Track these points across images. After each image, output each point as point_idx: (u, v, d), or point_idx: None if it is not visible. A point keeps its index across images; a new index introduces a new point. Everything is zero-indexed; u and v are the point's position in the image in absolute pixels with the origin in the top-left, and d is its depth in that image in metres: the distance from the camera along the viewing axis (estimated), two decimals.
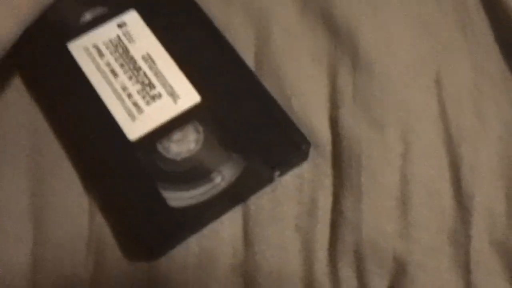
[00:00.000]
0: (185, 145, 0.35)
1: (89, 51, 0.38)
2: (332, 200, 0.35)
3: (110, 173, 0.34)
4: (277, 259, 0.33)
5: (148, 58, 0.37)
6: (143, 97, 0.36)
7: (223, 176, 0.34)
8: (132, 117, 0.35)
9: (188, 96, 0.36)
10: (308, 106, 0.37)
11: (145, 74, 0.37)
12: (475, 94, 0.37)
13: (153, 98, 0.36)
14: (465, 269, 0.33)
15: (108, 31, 0.38)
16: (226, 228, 0.34)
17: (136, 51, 0.37)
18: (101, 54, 0.37)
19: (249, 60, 0.38)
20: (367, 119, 0.36)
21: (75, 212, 0.34)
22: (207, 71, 0.37)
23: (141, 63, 0.37)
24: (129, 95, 0.36)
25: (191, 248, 0.33)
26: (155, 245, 0.32)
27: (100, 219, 0.33)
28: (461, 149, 0.35)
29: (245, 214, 0.34)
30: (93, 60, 0.37)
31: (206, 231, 0.33)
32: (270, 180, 0.34)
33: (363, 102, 0.36)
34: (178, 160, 0.35)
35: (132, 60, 0.37)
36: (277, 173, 0.34)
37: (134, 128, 0.35)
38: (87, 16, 0.40)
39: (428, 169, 0.35)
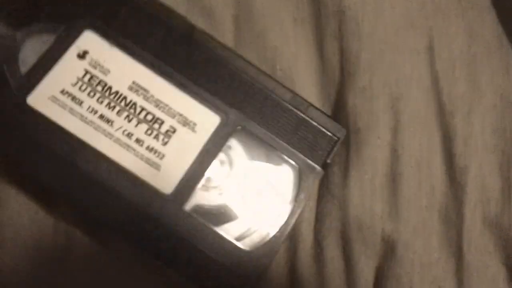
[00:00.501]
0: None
1: (60, 101, 0.29)
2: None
3: (163, 242, 0.29)
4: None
5: (138, 88, 0.30)
6: (156, 138, 0.30)
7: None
8: (156, 166, 0.29)
9: (205, 118, 0.31)
10: (295, 75, 0.35)
11: (143, 108, 0.30)
12: (469, 61, 0.34)
13: (168, 135, 0.30)
14: (457, 248, 0.32)
15: (68, 67, 0.30)
16: None
17: (118, 83, 0.30)
18: (77, 100, 0.30)
19: (228, 23, 0.35)
20: (355, 87, 0.34)
21: None
22: (209, 82, 0.31)
23: (132, 96, 0.30)
24: (138, 141, 0.30)
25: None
26: None
27: None
28: (454, 120, 0.33)
29: None
30: (71, 111, 0.29)
31: None
32: (321, 174, 0.32)
33: (351, 69, 0.34)
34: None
35: (119, 96, 0.30)
36: (328, 163, 0.32)
37: (165, 179, 0.29)
38: (27, 50, 0.30)
39: (419, 142, 0.33)
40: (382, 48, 0.34)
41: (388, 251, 0.32)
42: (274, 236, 0.30)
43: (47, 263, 0.30)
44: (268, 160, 0.31)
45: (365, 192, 0.32)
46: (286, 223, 0.30)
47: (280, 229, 0.30)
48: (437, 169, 0.33)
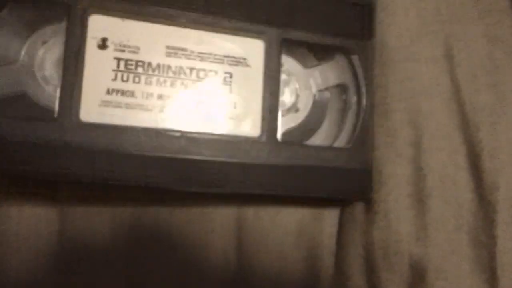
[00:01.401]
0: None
1: (112, 102, 0.27)
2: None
3: None
4: (277, 269, 0.30)
5: (175, 50, 0.28)
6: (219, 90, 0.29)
7: None
8: (234, 116, 0.29)
9: (251, 48, 0.29)
10: None
11: (191, 68, 0.28)
12: (491, 68, 0.31)
13: (227, 82, 0.29)
14: (490, 273, 0.28)
15: (98, 64, 0.27)
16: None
17: (154, 55, 0.28)
18: (127, 93, 0.27)
19: None
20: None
21: None
22: (232, 10, 0.29)
23: (175, 61, 0.28)
24: (203, 102, 0.28)
25: None
26: None
27: None
28: (479, 134, 0.30)
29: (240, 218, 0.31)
30: (128, 106, 0.27)
31: None
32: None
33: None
34: None
35: (163, 67, 0.28)
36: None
37: (248, 124, 0.29)
38: (42, 64, 0.27)
39: (443, 158, 0.30)
40: (395, 60, 0.31)
41: (417, 278, 0.29)
42: (358, 126, 0.31)
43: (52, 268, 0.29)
44: (321, 59, 0.31)
45: (390, 214, 0.30)
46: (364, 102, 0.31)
47: (362, 116, 0.31)
48: (464, 187, 0.30)
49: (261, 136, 0.29)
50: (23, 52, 0.27)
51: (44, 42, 0.27)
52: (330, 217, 0.32)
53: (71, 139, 0.26)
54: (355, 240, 0.30)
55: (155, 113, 0.27)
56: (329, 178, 0.29)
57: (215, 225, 0.30)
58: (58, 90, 0.26)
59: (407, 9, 0.32)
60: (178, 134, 0.27)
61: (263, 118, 0.29)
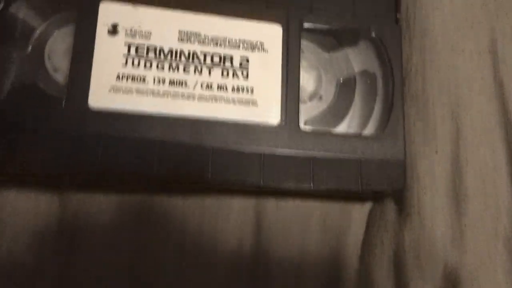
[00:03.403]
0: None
1: (122, 88, 0.26)
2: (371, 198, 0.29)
3: None
4: (296, 265, 0.28)
5: (188, 35, 0.27)
6: (235, 75, 0.27)
7: None
8: (252, 102, 0.27)
9: (268, 33, 0.28)
10: None
11: (205, 53, 0.27)
12: None
13: (244, 67, 0.27)
14: None
15: (108, 50, 0.26)
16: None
17: (167, 41, 0.27)
18: (138, 78, 0.26)
19: None
20: (410, 92, 0.29)
21: None
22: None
23: (188, 46, 0.27)
24: (221, 87, 0.27)
25: None
26: None
27: None
28: None
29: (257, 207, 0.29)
30: (139, 91, 0.26)
31: None
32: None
33: (405, 71, 0.30)
34: None
35: (175, 52, 0.27)
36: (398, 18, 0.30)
37: (267, 111, 0.27)
38: (51, 53, 0.26)
39: (483, 156, 0.28)
40: (437, 49, 0.30)
41: (451, 284, 0.27)
42: (387, 114, 0.28)
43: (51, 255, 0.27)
44: (345, 44, 0.29)
45: (424, 213, 0.28)
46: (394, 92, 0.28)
47: (391, 103, 0.28)
48: (503, 188, 0.28)
49: (281, 123, 0.27)
50: (33, 41, 0.26)
51: (54, 31, 0.26)
52: (358, 213, 0.29)
53: (79, 126, 0.25)
54: (384, 241, 0.28)
55: (167, 99, 0.26)
56: (356, 169, 0.27)
57: (231, 213, 0.28)
58: (61, 78, 0.25)
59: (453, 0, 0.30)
60: (191, 121, 0.26)
61: (283, 105, 0.27)
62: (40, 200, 0.27)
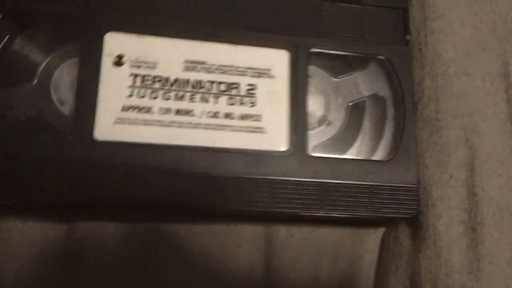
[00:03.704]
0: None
1: (128, 119, 0.25)
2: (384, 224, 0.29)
3: None
4: None
5: (194, 64, 0.27)
6: (242, 103, 0.27)
7: None
8: (260, 130, 0.27)
9: (275, 59, 0.28)
10: None
11: (212, 82, 0.27)
12: None
13: (250, 94, 0.27)
14: None
15: (113, 81, 0.26)
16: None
17: (172, 70, 0.27)
18: (144, 109, 0.26)
19: None
20: (419, 118, 0.29)
21: None
22: (254, 21, 0.28)
23: (194, 75, 0.27)
24: (228, 115, 0.26)
25: None
26: None
27: None
28: None
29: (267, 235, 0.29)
30: (146, 122, 0.26)
31: None
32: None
33: (415, 97, 0.29)
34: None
35: (181, 82, 0.26)
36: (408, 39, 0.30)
37: (276, 138, 0.27)
38: (57, 86, 0.26)
39: (499, 183, 0.27)
40: (449, 74, 0.29)
41: None
42: (399, 138, 0.28)
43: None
44: (353, 68, 0.29)
45: (440, 242, 0.27)
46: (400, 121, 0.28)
47: (402, 127, 0.28)
48: None
49: (289, 150, 0.26)
50: (38, 75, 0.26)
51: (60, 64, 0.26)
52: (371, 239, 0.29)
53: (85, 158, 0.24)
54: (399, 269, 0.27)
55: (173, 129, 0.26)
56: (368, 195, 0.26)
57: (242, 240, 0.28)
58: (67, 109, 0.25)
59: (463, 21, 0.29)
60: (199, 150, 0.25)
61: (291, 131, 0.26)
62: (47, 228, 0.27)
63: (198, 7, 0.27)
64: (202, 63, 0.27)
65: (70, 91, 0.26)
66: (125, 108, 0.25)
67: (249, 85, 0.27)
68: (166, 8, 0.27)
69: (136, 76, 0.26)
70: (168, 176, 0.25)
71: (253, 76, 0.27)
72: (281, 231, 0.28)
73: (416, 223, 0.28)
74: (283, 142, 0.26)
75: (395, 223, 0.29)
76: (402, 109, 0.28)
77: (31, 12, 0.26)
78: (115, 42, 0.26)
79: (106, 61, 0.26)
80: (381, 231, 0.29)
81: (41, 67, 0.26)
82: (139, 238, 0.27)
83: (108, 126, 0.25)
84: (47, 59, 0.26)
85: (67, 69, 0.26)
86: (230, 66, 0.27)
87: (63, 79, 0.26)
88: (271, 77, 0.27)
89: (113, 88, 0.26)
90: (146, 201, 0.25)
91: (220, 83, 0.27)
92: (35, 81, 0.26)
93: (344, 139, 0.28)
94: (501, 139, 0.28)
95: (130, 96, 0.26)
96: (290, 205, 0.26)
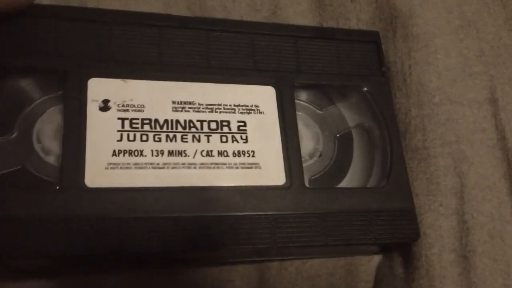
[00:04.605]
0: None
1: (119, 163, 0.24)
2: (377, 254, 0.28)
3: None
4: None
5: (182, 105, 0.26)
6: (234, 140, 0.26)
7: None
8: (255, 166, 0.26)
9: (262, 95, 0.28)
10: None
11: (202, 121, 0.26)
12: None
13: (242, 130, 0.27)
14: None
15: (101, 127, 0.25)
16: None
17: (160, 112, 0.26)
18: (135, 153, 0.25)
19: None
20: (407, 148, 0.29)
21: None
22: (237, 60, 0.28)
23: (183, 115, 0.26)
24: (222, 153, 0.26)
25: None
26: None
27: None
28: None
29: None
30: (138, 166, 0.25)
31: None
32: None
33: (402, 128, 0.29)
34: None
35: (171, 123, 0.26)
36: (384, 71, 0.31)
37: (271, 172, 0.26)
38: (39, 135, 0.25)
39: (490, 210, 0.27)
40: (435, 102, 0.29)
41: None
42: (388, 163, 0.28)
43: None
44: (336, 100, 0.29)
45: (432, 271, 0.26)
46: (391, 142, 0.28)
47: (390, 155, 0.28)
48: (511, 242, 0.27)
49: (286, 184, 0.26)
50: (18, 125, 0.25)
51: (42, 113, 0.25)
52: (365, 270, 0.28)
53: (77, 209, 0.23)
54: None
55: (167, 170, 0.25)
56: (367, 221, 0.26)
57: (234, 275, 0.27)
58: (59, 159, 0.24)
59: (448, 49, 0.30)
60: (195, 191, 0.24)
61: (286, 165, 0.26)
62: None
63: (180, 52, 0.27)
64: (190, 103, 0.26)
65: (54, 139, 0.25)
66: (116, 153, 0.24)
67: (240, 121, 0.27)
68: (148, 54, 0.26)
69: (124, 120, 0.25)
70: (165, 220, 0.24)
71: (242, 113, 0.27)
72: (274, 264, 0.27)
73: (408, 252, 0.27)
74: (280, 176, 0.26)
75: (389, 250, 0.28)
76: (388, 137, 0.28)
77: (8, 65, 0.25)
78: (99, 87, 0.25)
79: (92, 106, 0.25)
80: (376, 260, 0.29)
81: (22, 117, 0.25)
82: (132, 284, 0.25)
83: (100, 172, 0.24)
84: (28, 109, 0.25)
85: (50, 117, 0.25)
86: (219, 105, 0.27)
87: (46, 128, 0.25)
88: (261, 113, 0.27)
89: (102, 133, 0.24)
90: (145, 251, 0.23)
91: (210, 121, 0.26)
92: (15, 132, 0.25)
93: (337, 169, 0.28)
94: (490, 165, 0.28)
95: (120, 139, 0.25)
96: (292, 239, 0.25)
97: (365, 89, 0.29)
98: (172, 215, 0.24)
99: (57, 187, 0.23)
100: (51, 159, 0.24)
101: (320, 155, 0.28)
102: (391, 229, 0.26)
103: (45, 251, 0.22)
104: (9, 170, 0.24)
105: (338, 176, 0.28)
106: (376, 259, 0.29)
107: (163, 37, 0.27)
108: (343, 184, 0.28)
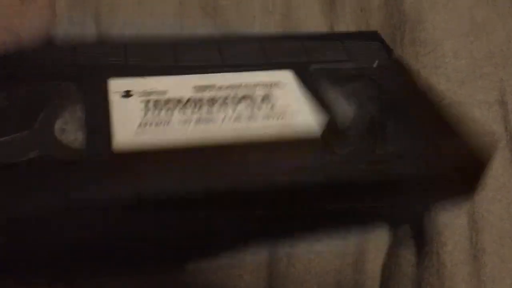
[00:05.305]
0: None
1: (149, 125, 0.23)
2: (385, 251, 0.28)
3: None
4: None
5: (204, 87, 0.26)
6: (259, 108, 0.26)
7: None
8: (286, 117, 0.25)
9: (281, 77, 0.28)
10: None
11: (226, 97, 0.26)
12: None
13: (267, 97, 0.26)
14: None
15: (125, 108, 0.24)
16: None
17: (183, 93, 0.26)
18: (163, 122, 0.24)
19: None
20: None
21: None
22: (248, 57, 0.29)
23: (207, 93, 0.26)
24: (251, 118, 0.25)
25: None
26: None
27: None
28: None
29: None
30: (167, 125, 0.24)
31: None
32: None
33: None
34: None
35: (195, 100, 0.25)
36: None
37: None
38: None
39: (499, 211, 0.28)
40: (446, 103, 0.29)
41: None
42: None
43: None
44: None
45: (443, 269, 0.26)
46: None
47: None
48: None
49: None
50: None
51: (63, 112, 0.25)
52: (373, 267, 0.28)
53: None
54: None
55: (204, 124, 0.24)
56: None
57: (244, 271, 0.27)
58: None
59: (457, 52, 0.30)
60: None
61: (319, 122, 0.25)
62: None
63: (195, 56, 0.28)
64: (211, 86, 0.26)
65: (76, 131, 0.24)
66: (142, 125, 0.24)
67: (263, 95, 0.26)
68: (166, 58, 0.27)
69: (147, 102, 0.25)
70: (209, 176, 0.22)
71: (265, 87, 0.26)
72: (283, 260, 0.27)
73: (418, 250, 0.27)
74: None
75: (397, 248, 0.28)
76: None
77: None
78: (120, 84, 0.26)
79: (114, 96, 0.25)
80: (383, 258, 0.28)
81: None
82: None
83: (129, 134, 0.23)
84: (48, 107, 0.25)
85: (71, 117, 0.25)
86: (239, 84, 0.26)
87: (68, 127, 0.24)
88: (282, 88, 0.27)
89: (126, 112, 0.24)
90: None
91: (234, 96, 0.26)
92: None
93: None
94: (500, 166, 0.28)
95: (145, 115, 0.24)
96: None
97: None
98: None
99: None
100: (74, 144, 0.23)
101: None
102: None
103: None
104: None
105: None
106: (383, 256, 0.28)
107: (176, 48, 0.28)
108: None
